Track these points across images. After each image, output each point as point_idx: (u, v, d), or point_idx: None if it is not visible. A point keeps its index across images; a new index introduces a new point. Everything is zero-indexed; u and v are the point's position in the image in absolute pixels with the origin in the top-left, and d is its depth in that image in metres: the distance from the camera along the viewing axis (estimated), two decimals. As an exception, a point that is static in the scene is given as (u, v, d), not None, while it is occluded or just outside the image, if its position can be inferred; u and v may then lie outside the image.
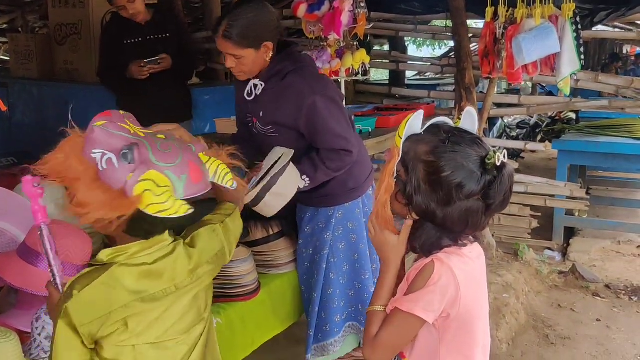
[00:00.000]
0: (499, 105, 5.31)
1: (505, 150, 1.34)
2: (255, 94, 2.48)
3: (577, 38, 3.57)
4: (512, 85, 10.03)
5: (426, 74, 10.65)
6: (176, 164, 1.29)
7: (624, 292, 4.26)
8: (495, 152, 1.32)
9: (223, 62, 2.44)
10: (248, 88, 2.49)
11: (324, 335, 2.68)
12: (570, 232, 5.42)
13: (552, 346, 3.56)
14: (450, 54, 7.89)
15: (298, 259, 2.71)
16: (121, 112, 1.40)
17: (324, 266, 2.61)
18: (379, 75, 12.69)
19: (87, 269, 1.39)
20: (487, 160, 1.32)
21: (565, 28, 3.53)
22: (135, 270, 1.36)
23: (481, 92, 4.89)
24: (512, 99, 5.16)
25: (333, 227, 2.60)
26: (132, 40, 3.75)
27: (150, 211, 1.24)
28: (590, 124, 5.89)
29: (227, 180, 1.40)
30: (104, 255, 1.38)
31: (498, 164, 1.32)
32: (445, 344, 1.45)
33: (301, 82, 2.39)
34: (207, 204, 1.58)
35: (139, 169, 1.25)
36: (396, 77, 7.17)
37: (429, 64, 5.49)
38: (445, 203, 1.34)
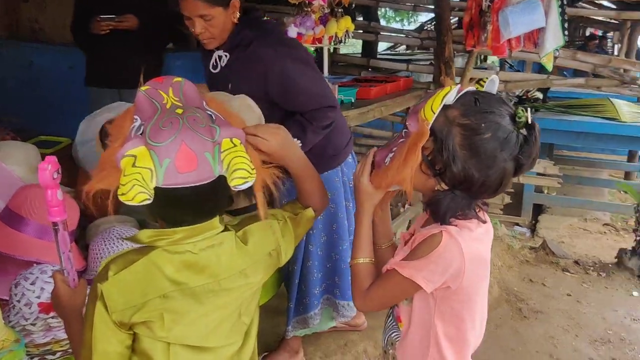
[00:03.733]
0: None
1: (530, 109, 1.29)
2: (221, 66, 2.37)
3: (562, 13, 3.55)
4: (481, 63, 10.11)
5: (397, 49, 10.62)
6: (163, 145, 1.11)
7: (592, 268, 4.34)
8: (522, 110, 1.27)
9: (191, 30, 2.27)
10: (213, 60, 2.39)
11: (304, 307, 2.66)
12: (538, 209, 5.50)
13: (525, 319, 3.60)
14: (427, 27, 7.82)
15: (279, 231, 2.66)
16: (177, 79, 1.24)
17: (304, 238, 2.56)
18: (345, 48, 12.55)
19: (125, 250, 1.25)
20: (517, 119, 1.27)
21: (551, 3, 3.50)
22: (177, 258, 1.21)
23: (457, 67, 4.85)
24: (491, 74, 5.13)
25: None
26: None
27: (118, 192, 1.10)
28: (559, 103, 5.95)
29: (234, 177, 1.16)
30: (144, 235, 1.22)
31: (529, 122, 1.27)
32: (440, 314, 1.42)
33: (266, 50, 2.28)
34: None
35: (133, 142, 1.11)
36: (369, 50, 7.07)
37: (408, 36, 5.43)
38: (487, 166, 1.26)
